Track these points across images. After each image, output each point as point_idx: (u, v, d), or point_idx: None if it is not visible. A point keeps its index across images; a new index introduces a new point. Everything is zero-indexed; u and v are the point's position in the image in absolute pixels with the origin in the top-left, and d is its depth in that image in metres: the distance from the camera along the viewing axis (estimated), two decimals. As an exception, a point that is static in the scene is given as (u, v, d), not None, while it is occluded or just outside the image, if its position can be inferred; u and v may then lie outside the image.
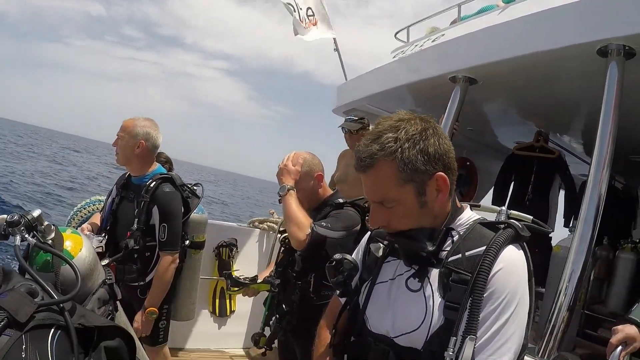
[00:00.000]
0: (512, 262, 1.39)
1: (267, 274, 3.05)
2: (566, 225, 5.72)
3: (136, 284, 3.25)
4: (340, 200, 2.86)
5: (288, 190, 2.76)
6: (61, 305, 1.20)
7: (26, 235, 1.39)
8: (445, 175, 1.44)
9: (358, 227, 2.76)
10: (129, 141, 3.24)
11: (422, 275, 1.47)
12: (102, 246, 3.13)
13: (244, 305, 5.47)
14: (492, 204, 5.81)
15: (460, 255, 1.41)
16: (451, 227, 1.50)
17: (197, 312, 5.24)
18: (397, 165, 1.40)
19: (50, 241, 1.44)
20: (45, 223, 1.46)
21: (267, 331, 3.08)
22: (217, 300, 5.39)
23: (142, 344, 2.45)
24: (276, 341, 3.02)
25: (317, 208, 2.92)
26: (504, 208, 1.69)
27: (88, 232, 3.17)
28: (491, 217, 1.64)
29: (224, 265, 5.30)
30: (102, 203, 3.68)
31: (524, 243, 1.48)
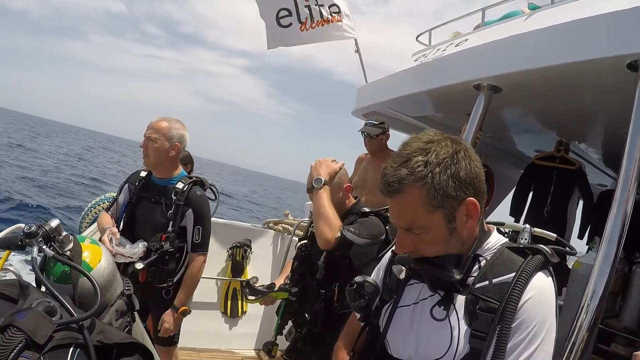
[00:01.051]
0: (541, 290, 1.35)
1: (282, 281, 3.02)
2: (580, 237, 5.64)
3: (165, 285, 3.27)
4: (366, 209, 2.82)
5: (324, 184, 2.68)
6: (80, 322, 1.17)
7: (44, 247, 1.38)
8: (476, 200, 1.39)
9: (383, 237, 2.72)
10: (164, 144, 3.22)
11: (447, 303, 1.42)
12: (145, 250, 3.12)
13: (255, 307, 5.46)
14: (510, 214, 5.75)
15: (487, 282, 1.37)
16: (478, 254, 1.45)
17: (209, 312, 5.25)
18: (427, 191, 1.33)
19: (68, 252, 1.42)
20: (64, 233, 1.45)
21: (280, 340, 3.05)
22: (229, 301, 5.39)
23: (154, 345, 2.45)
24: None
25: (342, 217, 2.85)
26: (527, 226, 1.65)
27: (120, 238, 3.11)
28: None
29: (237, 266, 5.30)
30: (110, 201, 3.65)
31: (554, 267, 1.44)
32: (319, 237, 2.62)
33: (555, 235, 1.87)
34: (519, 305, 1.30)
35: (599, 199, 5.81)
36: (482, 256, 1.44)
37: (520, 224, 1.77)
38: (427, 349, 1.43)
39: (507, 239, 1.53)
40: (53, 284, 1.38)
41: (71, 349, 1.12)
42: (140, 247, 3.05)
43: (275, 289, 2.90)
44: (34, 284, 1.31)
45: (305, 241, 2.99)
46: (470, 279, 1.41)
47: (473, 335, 1.34)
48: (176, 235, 3.24)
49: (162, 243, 3.19)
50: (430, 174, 1.33)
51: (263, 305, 3.13)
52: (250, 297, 2.87)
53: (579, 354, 2.67)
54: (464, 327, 1.37)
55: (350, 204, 2.92)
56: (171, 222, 3.22)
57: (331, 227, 2.56)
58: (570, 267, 4.08)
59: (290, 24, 5.60)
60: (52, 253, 1.38)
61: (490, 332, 1.30)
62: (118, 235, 3.10)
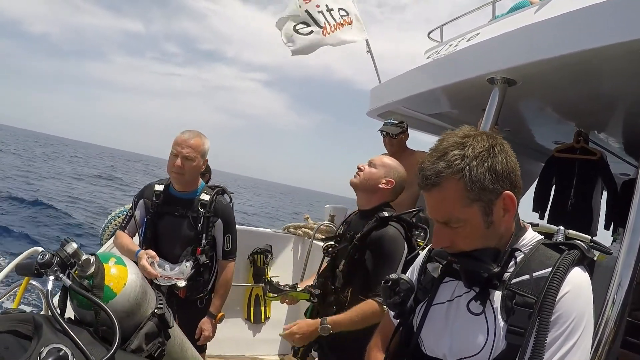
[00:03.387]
0: (579, 284, 1.34)
1: (310, 283, 2.99)
2: (607, 228, 5.53)
3: (201, 295, 3.31)
4: (385, 214, 2.68)
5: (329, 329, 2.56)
6: None
7: (60, 275, 1.31)
8: (513, 194, 1.39)
9: (405, 251, 2.61)
10: (200, 161, 3.22)
11: (484, 298, 1.42)
12: (193, 269, 3.12)
13: (278, 312, 5.46)
14: (533, 210, 5.66)
15: (524, 277, 1.36)
16: (516, 248, 1.44)
17: (232, 318, 5.25)
18: (465, 184, 1.35)
19: (87, 281, 1.35)
20: (84, 257, 1.37)
21: None
22: (252, 307, 5.39)
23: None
24: (315, 353, 2.95)
25: (364, 214, 2.82)
26: (561, 227, 1.63)
27: (160, 260, 3.05)
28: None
29: (258, 272, 5.29)
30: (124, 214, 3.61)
31: (592, 263, 1.43)
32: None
33: (589, 237, 1.85)
34: (556, 299, 1.29)
35: (622, 189, 5.70)
36: (519, 250, 1.43)
37: (554, 226, 1.76)
38: (462, 346, 1.42)
39: (542, 237, 1.53)
40: (77, 309, 1.34)
41: None
42: (188, 266, 3.05)
43: (299, 289, 2.88)
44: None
45: (332, 243, 2.93)
46: (506, 275, 1.40)
47: (510, 330, 1.33)
48: (210, 246, 3.26)
49: (199, 257, 3.19)
50: (467, 167, 1.35)
51: (285, 305, 3.11)
52: (270, 295, 2.85)
53: (606, 348, 2.61)
54: (500, 323, 1.36)
55: (379, 203, 2.81)
56: (204, 235, 3.22)
57: (376, 315, 2.42)
58: (595, 259, 3.99)
59: (312, 32, 5.59)
60: (70, 283, 1.32)
61: (529, 328, 1.28)
62: (157, 258, 3.03)
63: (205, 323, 3.28)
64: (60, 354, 1.10)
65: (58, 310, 1.26)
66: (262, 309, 5.44)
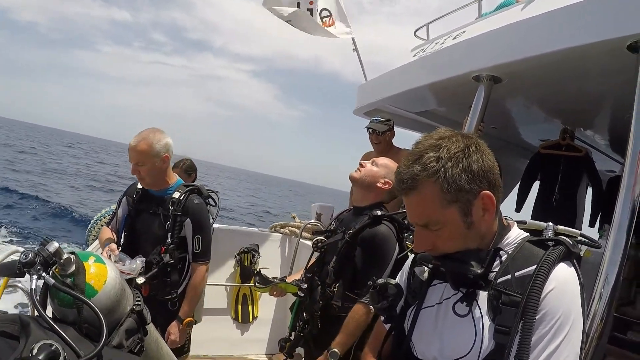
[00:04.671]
0: (564, 280, 1.32)
1: (297, 278, 3.00)
2: (591, 225, 5.58)
3: (169, 297, 3.24)
4: (379, 213, 2.69)
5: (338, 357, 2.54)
6: None
7: (43, 274, 1.31)
8: (491, 193, 1.38)
9: (396, 251, 2.63)
10: (153, 162, 3.17)
11: (469, 299, 1.41)
12: (144, 266, 3.07)
13: (266, 312, 5.46)
14: (516, 205, 5.69)
15: (509, 276, 1.35)
16: (499, 247, 1.43)
17: (219, 319, 5.22)
18: (441, 186, 1.34)
19: (69, 279, 1.35)
20: (65, 256, 1.37)
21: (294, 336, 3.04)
22: (240, 307, 5.37)
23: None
24: (301, 350, 2.96)
25: (358, 211, 2.84)
26: (550, 224, 1.62)
27: (119, 254, 3.06)
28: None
29: (245, 271, 5.27)
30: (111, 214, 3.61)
31: (579, 258, 1.41)
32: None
33: (579, 231, 1.84)
34: (541, 297, 1.28)
35: (607, 186, 5.75)
36: (502, 250, 1.43)
37: (542, 222, 1.75)
38: (451, 348, 1.42)
39: (527, 234, 1.52)
40: (58, 308, 1.34)
41: None
42: (138, 262, 2.99)
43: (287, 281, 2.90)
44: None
45: (321, 237, 2.95)
46: (492, 275, 1.40)
47: (497, 330, 1.31)
48: (176, 246, 3.20)
49: (162, 255, 3.15)
50: (442, 169, 1.34)
51: (273, 305, 3.11)
52: (259, 286, 2.87)
53: (594, 343, 2.62)
54: (487, 323, 1.35)
55: (374, 201, 2.83)
56: (170, 234, 3.18)
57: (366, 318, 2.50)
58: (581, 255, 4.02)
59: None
60: (53, 281, 1.31)
61: (514, 326, 1.28)
62: (117, 252, 3.05)
63: (172, 327, 3.21)
64: (52, 348, 1.10)
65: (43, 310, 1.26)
66: (250, 308, 5.41)
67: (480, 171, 1.37)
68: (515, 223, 1.56)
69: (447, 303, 1.48)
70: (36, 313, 1.25)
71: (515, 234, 1.49)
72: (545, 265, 1.31)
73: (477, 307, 1.39)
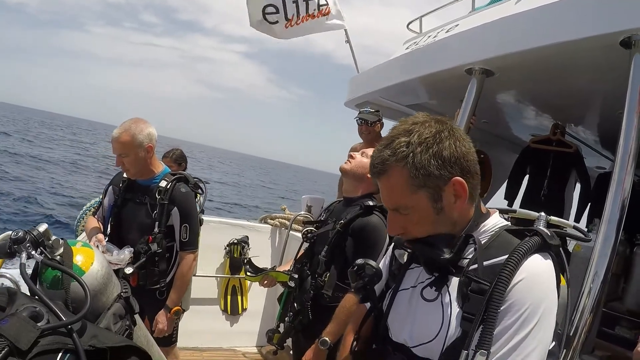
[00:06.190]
0: (535, 272, 1.29)
1: (287, 268, 3.03)
2: (578, 220, 5.61)
3: (157, 286, 3.23)
4: (370, 203, 2.71)
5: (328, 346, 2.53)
6: (69, 326, 1.13)
7: (32, 252, 1.33)
8: (463, 180, 1.36)
9: (386, 241, 2.63)
10: (137, 153, 3.14)
11: (439, 284, 1.41)
12: (132, 256, 3.06)
13: (256, 303, 5.45)
14: (505, 198, 5.72)
15: (479, 264, 1.33)
16: (471, 234, 1.40)
17: (209, 310, 5.21)
18: (409, 171, 1.34)
19: (58, 257, 1.37)
20: (53, 238, 1.39)
21: (282, 327, 3.04)
22: (229, 298, 5.35)
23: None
24: (290, 340, 2.97)
25: (348, 202, 2.85)
26: (542, 214, 1.60)
27: (107, 244, 3.07)
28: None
29: (235, 263, 5.26)
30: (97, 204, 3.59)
31: (557, 251, 1.37)
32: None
33: (572, 223, 1.83)
34: (508, 287, 1.26)
35: (597, 182, 5.77)
36: (475, 237, 1.40)
37: (535, 212, 1.74)
38: (419, 332, 1.41)
39: (507, 222, 1.50)
40: (46, 290, 1.35)
41: (60, 354, 1.09)
42: (126, 253, 3.00)
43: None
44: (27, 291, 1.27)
45: (311, 228, 2.96)
46: (465, 261, 1.38)
47: (464, 317, 1.29)
48: (163, 235, 3.18)
49: (150, 245, 3.14)
50: (412, 154, 1.33)
51: (263, 296, 3.11)
52: (250, 274, 2.88)
53: (582, 338, 2.64)
54: (456, 309, 1.33)
55: (365, 192, 2.84)
56: (157, 223, 3.16)
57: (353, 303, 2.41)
58: (571, 250, 4.05)
59: (277, 22, 5.67)
60: (41, 258, 1.33)
61: (478, 314, 1.26)
62: (104, 242, 3.04)
63: (160, 316, 3.20)
64: (36, 309, 1.12)
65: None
66: (239, 300, 5.41)
67: (451, 157, 1.35)
68: (497, 211, 1.54)
69: (420, 287, 1.48)
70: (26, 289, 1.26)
71: (494, 222, 1.46)
72: (516, 255, 1.28)
73: (448, 293, 1.38)
